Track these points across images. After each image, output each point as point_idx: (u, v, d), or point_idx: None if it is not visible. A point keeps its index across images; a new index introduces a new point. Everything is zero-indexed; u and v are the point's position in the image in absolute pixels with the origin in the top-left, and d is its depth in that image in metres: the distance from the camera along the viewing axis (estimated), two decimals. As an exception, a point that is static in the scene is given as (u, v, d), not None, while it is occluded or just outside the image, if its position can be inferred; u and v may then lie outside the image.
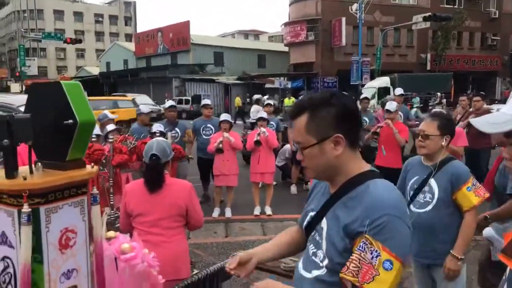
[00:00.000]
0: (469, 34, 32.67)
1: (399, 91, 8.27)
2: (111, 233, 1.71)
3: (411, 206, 2.52)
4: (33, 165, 1.18)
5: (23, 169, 1.14)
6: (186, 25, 35.31)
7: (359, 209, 1.23)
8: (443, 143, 2.46)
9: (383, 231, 1.18)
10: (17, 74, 29.96)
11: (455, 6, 30.94)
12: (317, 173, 1.37)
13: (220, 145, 5.90)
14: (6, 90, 36.50)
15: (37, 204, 1.04)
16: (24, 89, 26.87)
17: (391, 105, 6.04)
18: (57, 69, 55.38)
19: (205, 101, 7.03)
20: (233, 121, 7.28)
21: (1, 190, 1.06)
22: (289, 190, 7.56)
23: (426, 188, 2.49)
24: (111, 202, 3.86)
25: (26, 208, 1.00)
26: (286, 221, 5.74)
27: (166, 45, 37.73)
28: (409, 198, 2.56)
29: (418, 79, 22.99)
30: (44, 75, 49.65)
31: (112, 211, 3.79)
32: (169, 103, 6.79)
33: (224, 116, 6.22)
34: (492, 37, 33.20)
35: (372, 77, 24.49)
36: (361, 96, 8.10)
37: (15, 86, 29.49)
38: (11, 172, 1.03)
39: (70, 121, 1.10)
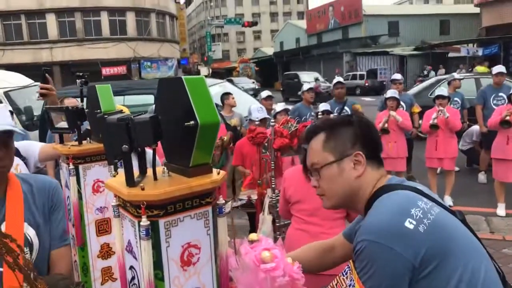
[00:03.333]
0: None
1: None
2: (254, 236, 1.56)
3: None
4: (160, 169, 1.08)
5: (150, 174, 1.05)
6: (358, -4, 33.88)
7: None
8: None
9: (360, 259, 1.12)
10: (205, 59, 33.90)
11: None
12: (336, 198, 1.29)
13: (386, 125, 5.35)
14: (197, 73, 41.85)
15: (156, 217, 0.93)
16: (211, 72, 30.26)
17: None
18: (237, 51, 60.68)
19: (396, 76, 6.53)
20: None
21: (123, 198, 0.98)
22: (476, 178, 6.47)
23: None
24: (273, 185, 3.86)
25: (144, 221, 0.90)
26: (469, 215, 4.87)
27: (337, 19, 37.03)
28: None
29: None
30: (227, 58, 55.12)
31: (274, 194, 3.79)
32: (336, 79, 6.44)
33: (391, 93, 5.60)
34: None
35: None
36: None
37: (204, 70, 33.49)
38: (130, 180, 0.93)
39: (192, 122, 0.94)
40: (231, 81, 15.41)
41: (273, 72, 37.44)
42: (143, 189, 0.92)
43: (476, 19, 28.46)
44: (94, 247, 1.73)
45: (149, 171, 1.06)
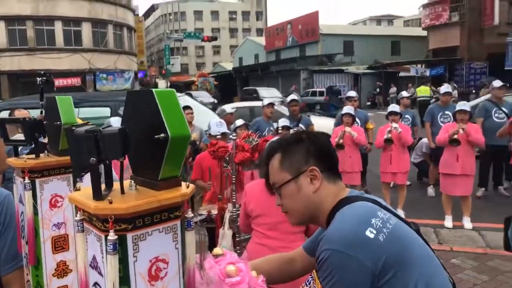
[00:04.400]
0: None
1: None
2: (218, 250, 1.55)
3: None
4: (127, 183, 1.06)
5: (116, 187, 1.03)
6: (315, 15, 34.99)
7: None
8: None
9: (323, 268, 1.14)
10: (163, 72, 33.52)
11: None
12: (299, 215, 1.31)
13: (341, 141, 5.52)
14: (155, 86, 41.24)
15: (124, 231, 0.91)
16: (169, 85, 29.91)
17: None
18: (196, 65, 60.53)
19: (351, 93, 6.75)
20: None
21: (89, 212, 0.95)
22: (425, 192, 6.78)
23: None
24: (234, 199, 3.85)
25: (112, 236, 0.88)
26: (420, 227, 5.09)
27: (295, 37, 37.98)
28: None
29: None
30: (186, 72, 54.76)
31: (235, 208, 3.78)
32: (290, 96, 6.62)
33: (346, 109, 5.81)
34: None
35: (533, 60, 20.81)
36: (496, 84, 6.66)
37: (162, 83, 33.08)
38: (97, 194, 0.91)
39: (162, 135, 0.94)
40: (190, 95, 15.33)
41: (232, 87, 37.66)
42: (111, 202, 0.91)
43: (424, 42, 30.19)
44: (50, 265, 1.65)
45: (116, 184, 1.04)
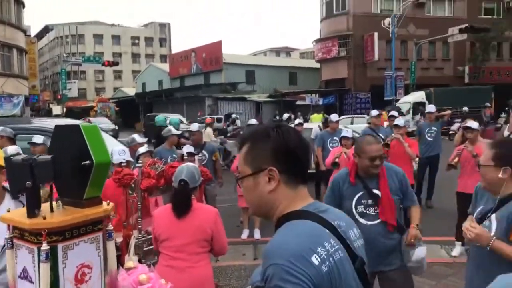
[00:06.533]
0: (510, 45, 31.42)
1: (430, 108, 8.19)
2: (130, 263, 1.76)
3: None
4: (54, 203, 1.25)
5: (44, 207, 1.22)
6: (218, 45, 36.11)
7: (262, 258, 1.15)
8: (500, 175, 2.08)
9: (270, 285, 1.07)
10: (59, 97, 31.51)
11: (493, 17, 29.98)
12: (254, 208, 1.30)
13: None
14: (49, 112, 38.39)
15: (55, 242, 1.11)
16: (65, 111, 28.17)
17: (400, 121, 6.30)
18: (95, 90, 57.81)
19: (251, 121, 7.21)
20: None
21: (23, 229, 1.13)
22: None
23: (486, 223, 2.16)
24: (139, 226, 3.94)
25: (45, 246, 1.07)
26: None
27: (200, 65, 38.65)
28: None
29: (456, 93, 22.25)
30: (84, 96, 51.93)
31: (140, 235, 3.87)
32: (193, 126, 6.86)
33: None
34: (534, 47, 31.86)
35: (406, 92, 24.02)
36: (374, 113, 7.76)
37: (57, 109, 31.03)
38: (32, 212, 1.10)
39: (88, 162, 1.16)
40: (88, 122, 14.71)
41: (135, 113, 36.72)
42: (45, 218, 1.09)
43: (318, 73, 33.04)
44: None
45: (44, 205, 1.22)
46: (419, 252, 2.84)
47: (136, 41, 62.51)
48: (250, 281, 1.21)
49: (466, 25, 20.96)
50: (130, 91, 47.14)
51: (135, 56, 62.30)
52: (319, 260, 1.09)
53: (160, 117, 14.35)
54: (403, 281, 2.87)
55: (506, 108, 20.04)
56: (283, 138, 1.23)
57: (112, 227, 1.27)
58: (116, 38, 60.95)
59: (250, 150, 1.26)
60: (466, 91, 23.25)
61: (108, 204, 1.26)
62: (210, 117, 20.28)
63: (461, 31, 20.96)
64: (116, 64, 26.92)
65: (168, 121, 12.24)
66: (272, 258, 1.09)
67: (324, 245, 1.13)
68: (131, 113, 36.81)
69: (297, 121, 8.61)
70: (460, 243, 5.32)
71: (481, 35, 26.06)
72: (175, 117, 12.80)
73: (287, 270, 1.05)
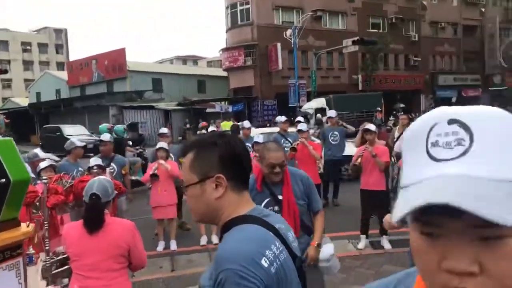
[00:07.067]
0: (394, 56, 35.22)
1: (330, 113, 8.88)
2: (49, 288, 1.64)
3: None
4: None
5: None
6: (121, 52, 34.62)
7: (214, 263, 1.18)
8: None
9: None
10: None
11: (379, 30, 33.33)
12: (199, 215, 1.31)
13: (156, 171, 5.79)
14: None
15: (-33, 272, 0.98)
16: None
17: (303, 126, 6.98)
18: (-20, 101, 51.58)
19: (162, 130, 7.14)
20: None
21: None
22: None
23: None
24: (47, 247, 3.63)
25: (-46, 278, 0.95)
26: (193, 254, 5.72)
27: (102, 72, 36.65)
28: None
29: (352, 99, 24.24)
30: (-34, 108, 45.98)
31: (48, 257, 3.57)
32: (104, 136, 6.54)
33: (160, 145, 6.16)
34: (414, 58, 36.03)
35: (309, 99, 25.45)
36: (282, 119, 8.09)
37: None
38: None
39: (3, 180, 1.06)
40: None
41: (29, 125, 33.48)
42: (-47, 247, 0.97)
43: (226, 81, 33.44)
44: None
45: None
46: (327, 249, 3.00)
47: (28, 47, 57.21)
48: (199, 286, 1.22)
49: (357, 37, 22.90)
50: (23, 101, 42.91)
51: (27, 63, 56.97)
52: (267, 262, 1.15)
53: (103, 126, 13.49)
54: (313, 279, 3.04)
55: (394, 112, 22.44)
56: (229, 145, 1.28)
57: (34, 251, 1.17)
58: (4, 44, 55.18)
59: (196, 158, 1.28)
60: (360, 97, 25.41)
61: (28, 226, 1.16)
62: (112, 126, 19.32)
63: (353, 43, 22.79)
64: (5, 72, 24.32)
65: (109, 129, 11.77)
66: (225, 263, 1.13)
67: (271, 248, 1.20)
68: (24, 125, 33.50)
69: (211, 128, 8.64)
70: (364, 236, 5.79)
71: (369, 47, 28.71)
72: (119, 126, 12.09)
73: (240, 274, 1.09)
